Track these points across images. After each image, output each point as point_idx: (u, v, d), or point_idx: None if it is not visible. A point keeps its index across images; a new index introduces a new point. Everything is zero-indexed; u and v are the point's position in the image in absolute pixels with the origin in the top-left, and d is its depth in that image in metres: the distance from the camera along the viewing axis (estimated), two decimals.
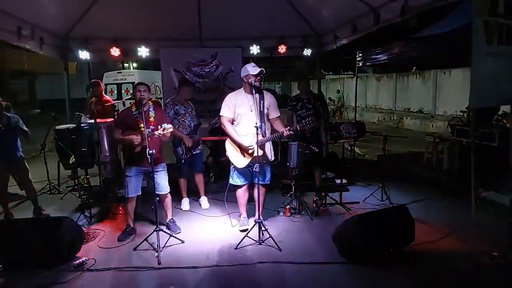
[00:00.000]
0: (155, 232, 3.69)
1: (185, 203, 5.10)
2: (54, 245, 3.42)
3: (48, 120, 6.09)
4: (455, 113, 9.92)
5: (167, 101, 5.14)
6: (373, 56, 6.66)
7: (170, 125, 3.68)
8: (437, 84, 13.03)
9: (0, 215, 4.79)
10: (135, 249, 3.78)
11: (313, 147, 4.94)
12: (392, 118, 15.87)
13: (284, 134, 3.90)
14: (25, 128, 4.70)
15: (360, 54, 7.36)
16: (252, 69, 3.88)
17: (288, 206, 4.71)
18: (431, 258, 3.50)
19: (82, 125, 5.43)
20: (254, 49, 6.89)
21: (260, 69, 3.87)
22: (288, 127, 3.90)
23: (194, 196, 5.30)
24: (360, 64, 7.47)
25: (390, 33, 8.95)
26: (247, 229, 4.04)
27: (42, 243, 3.42)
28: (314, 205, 4.94)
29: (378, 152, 7.80)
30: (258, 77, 3.87)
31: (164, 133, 3.67)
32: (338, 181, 5.59)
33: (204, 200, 5.14)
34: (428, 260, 3.48)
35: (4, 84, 18.56)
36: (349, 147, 5.80)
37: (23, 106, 17.72)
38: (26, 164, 4.83)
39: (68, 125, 6.06)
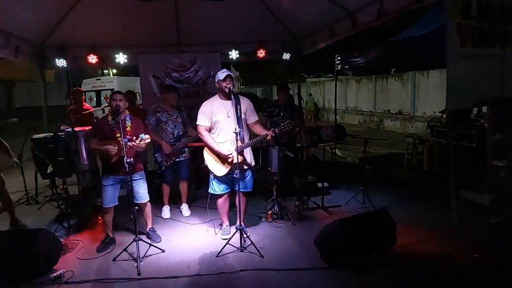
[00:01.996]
0: (134, 242, 3.62)
1: (166, 211, 5.02)
2: (31, 258, 3.33)
3: (26, 129, 5.93)
4: (434, 114, 10.17)
5: (151, 108, 5.05)
6: (352, 60, 6.73)
7: (147, 136, 3.61)
8: (415, 85, 13.31)
9: None
10: (114, 259, 3.71)
11: (288, 153, 4.95)
12: (372, 120, 16.12)
13: (268, 137, 3.88)
14: None
15: (339, 58, 7.43)
16: (220, 74, 3.87)
17: (270, 212, 4.70)
18: (413, 260, 3.54)
19: (59, 133, 5.31)
20: (234, 54, 6.90)
21: (226, 73, 3.84)
22: (272, 129, 3.88)
23: (175, 203, 5.23)
24: (339, 67, 7.54)
25: (368, 36, 9.11)
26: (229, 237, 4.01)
27: (18, 255, 3.32)
28: (296, 209, 4.94)
29: (359, 154, 7.90)
30: (227, 82, 3.82)
31: (140, 144, 3.59)
32: (319, 184, 5.61)
33: (185, 208, 5.08)
34: (410, 262, 3.51)
35: None
36: (330, 150, 5.84)
37: (0, 115, 17.21)
38: (1, 175, 4.68)
39: (46, 134, 5.91)
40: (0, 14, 4.69)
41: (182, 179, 5.06)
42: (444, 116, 7.56)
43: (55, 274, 3.37)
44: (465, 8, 3.76)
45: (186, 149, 5.02)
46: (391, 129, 14.53)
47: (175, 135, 4.85)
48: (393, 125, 14.58)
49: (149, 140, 3.62)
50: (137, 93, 7.27)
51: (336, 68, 7.32)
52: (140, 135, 3.56)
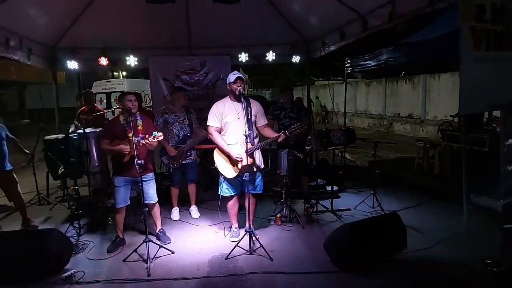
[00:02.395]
0: (144, 243, 3.64)
1: (175, 212, 5.04)
2: (42, 258, 3.37)
3: (38, 130, 6.02)
4: (445, 118, 10.04)
5: (160, 109, 5.09)
6: (362, 62, 6.71)
7: (160, 133, 3.66)
8: (426, 88, 13.18)
9: None
10: (124, 260, 3.73)
11: (297, 153, 4.93)
12: (382, 123, 15.99)
13: (279, 140, 3.87)
14: (11, 135, 4.70)
15: (349, 61, 7.42)
16: (231, 76, 3.88)
17: (279, 215, 4.68)
18: (423, 266, 3.49)
19: (71, 135, 5.37)
20: (243, 57, 6.90)
21: (237, 75, 3.85)
22: (283, 131, 3.86)
23: (184, 205, 5.24)
24: (349, 70, 7.52)
25: (378, 39, 9.06)
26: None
27: (30, 255, 3.36)
28: (305, 213, 4.92)
29: (369, 158, 7.84)
30: (238, 84, 3.83)
31: (152, 141, 3.63)
32: (329, 188, 5.58)
33: (194, 210, 5.10)
34: (421, 267, 3.47)
35: None
36: (339, 154, 5.80)
37: (12, 116, 17.50)
38: (14, 175, 4.76)
39: (57, 135, 5.98)
40: (13, 17, 4.77)
41: (190, 181, 5.08)
42: (456, 120, 7.46)
43: (66, 274, 3.41)
44: (479, 11, 3.70)
45: (193, 152, 5.04)
46: (401, 133, 14.39)
47: (181, 137, 4.87)
48: (403, 129, 14.45)
49: (162, 137, 3.67)
50: (142, 94, 7.34)
51: (346, 71, 7.32)
52: (153, 133, 3.61)
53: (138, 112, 4.05)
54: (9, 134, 4.70)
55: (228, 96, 4.03)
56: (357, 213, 4.86)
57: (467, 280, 3.25)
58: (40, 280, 3.33)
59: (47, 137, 5.88)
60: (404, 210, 4.86)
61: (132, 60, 6.63)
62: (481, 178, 4.85)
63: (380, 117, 16.26)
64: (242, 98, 3.83)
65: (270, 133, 4.03)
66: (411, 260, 3.57)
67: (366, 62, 6.40)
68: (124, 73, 20.32)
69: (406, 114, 14.51)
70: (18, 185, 4.74)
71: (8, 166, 4.63)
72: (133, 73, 19.27)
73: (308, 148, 5.55)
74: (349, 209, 5.03)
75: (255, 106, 4.01)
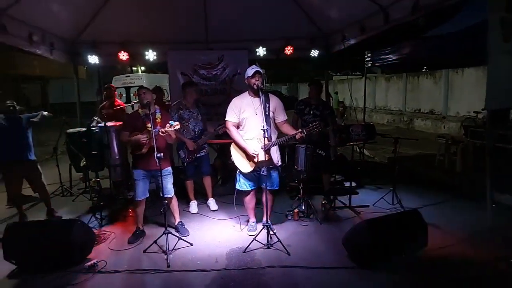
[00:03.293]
0: (164, 235, 3.71)
1: (193, 205, 5.11)
2: (66, 247, 3.47)
3: (60, 123, 6.18)
4: (468, 114, 9.76)
5: (172, 104, 5.15)
6: (383, 56, 6.58)
7: (177, 122, 3.70)
8: (449, 83, 12.83)
9: (14, 217, 4.87)
10: (144, 251, 3.82)
11: (320, 151, 4.88)
12: (402, 119, 15.69)
13: (297, 137, 3.83)
14: (36, 119, 4.86)
15: (369, 54, 7.28)
16: (249, 71, 3.86)
17: (296, 210, 4.67)
18: (445, 264, 3.43)
19: (92, 128, 5.49)
20: (261, 51, 6.87)
21: (255, 69, 3.83)
22: (300, 130, 3.83)
23: (201, 198, 5.30)
24: (369, 64, 7.39)
25: (400, 32, 8.85)
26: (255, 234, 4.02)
27: (54, 245, 3.48)
28: (323, 208, 4.89)
29: (388, 154, 7.71)
30: (256, 78, 3.81)
31: (171, 130, 3.69)
32: (347, 184, 5.52)
33: (212, 202, 5.16)
34: (442, 266, 3.40)
35: (17, 88, 18.91)
36: (358, 150, 5.72)
37: (36, 110, 18.02)
38: (39, 167, 4.90)
39: (79, 129, 6.13)
40: (36, 12, 4.90)
41: (205, 174, 5.15)
42: (479, 116, 7.24)
43: (89, 263, 3.51)
44: (510, 2, 3.57)
45: (205, 145, 5.13)
46: (421, 129, 14.09)
47: (196, 132, 4.95)
48: (424, 125, 14.14)
49: (178, 127, 3.72)
50: (164, 90, 7.41)
51: (366, 65, 7.19)
52: (170, 122, 3.67)
53: (157, 106, 4.11)
54: (34, 119, 4.82)
55: (247, 91, 4.02)
56: (376, 210, 4.80)
57: (492, 280, 3.17)
58: (64, 268, 3.43)
59: (69, 131, 6.03)
60: (425, 207, 4.77)
61: (151, 55, 6.70)
62: (505, 175, 4.72)
63: (400, 113, 15.95)
64: (261, 93, 3.81)
65: (289, 130, 3.99)
66: (432, 258, 3.50)
67: (387, 56, 6.27)
68: (142, 68, 20.59)
69: (427, 110, 14.19)
70: (42, 176, 4.89)
71: (32, 156, 4.78)
72: (150, 68, 19.51)
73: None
74: (367, 206, 4.97)
75: (274, 101, 3.98)
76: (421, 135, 11.91)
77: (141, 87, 4.17)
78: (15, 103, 4.79)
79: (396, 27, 5.13)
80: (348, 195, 4.93)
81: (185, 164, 4.97)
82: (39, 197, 5.13)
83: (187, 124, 4.90)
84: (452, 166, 6.49)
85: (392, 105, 16.75)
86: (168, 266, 3.46)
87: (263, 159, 3.73)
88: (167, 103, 6.89)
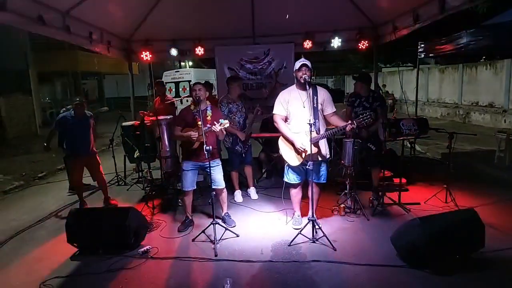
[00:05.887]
0: (211, 225, 3.83)
1: (238, 195, 5.28)
2: (122, 233, 3.70)
3: (115, 117, 6.58)
4: None
5: (221, 98, 5.29)
6: (438, 47, 6.20)
7: (226, 121, 3.78)
8: (511, 75, 11.83)
9: (75, 204, 5.29)
10: (193, 240, 3.98)
11: (370, 145, 4.74)
12: (457, 113, 14.74)
13: (347, 129, 3.76)
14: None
15: (422, 45, 6.91)
16: (296, 64, 3.85)
17: (342, 205, 4.60)
18: (501, 267, 3.22)
19: (145, 122, 5.78)
20: (307, 44, 6.79)
21: (302, 62, 3.79)
22: (351, 120, 3.75)
23: (243, 188, 5.44)
24: (422, 55, 7.01)
25: (456, 21, 8.29)
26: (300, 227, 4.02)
27: (111, 230, 3.74)
28: (371, 205, 4.77)
29: (441, 150, 7.32)
30: (303, 72, 3.77)
31: (220, 128, 3.78)
32: (396, 180, 5.32)
33: (253, 191, 5.33)
34: (500, 269, 3.20)
35: (78, 84, 20.44)
36: (409, 145, 5.49)
37: (93, 104, 19.34)
38: (98, 157, 5.26)
39: (133, 122, 6.48)
40: (94, 12, 5.23)
41: (247, 164, 5.31)
42: None
43: (143, 249, 3.73)
44: None
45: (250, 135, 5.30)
46: (479, 123, 13.15)
47: (241, 123, 5.13)
48: (481, 119, 13.18)
49: (228, 125, 3.80)
50: (212, 84, 7.62)
51: (419, 56, 6.85)
52: (220, 120, 3.76)
53: (208, 103, 4.23)
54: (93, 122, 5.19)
55: (295, 85, 4.01)
56: (427, 208, 4.59)
57: None
58: (119, 253, 3.68)
59: (124, 123, 6.41)
60: (481, 206, 4.49)
61: (199, 50, 6.89)
62: None
63: (455, 106, 14.99)
64: (308, 86, 3.77)
65: (338, 122, 3.93)
66: (489, 260, 3.30)
67: (442, 47, 5.90)
68: (190, 63, 21.22)
69: (485, 103, 13.20)
70: (101, 167, 5.25)
71: (94, 149, 5.14)
72: (197, 63, 20.05)
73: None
74: (418, 203, 4.77)
75: (322, 94, 3.94)
76: (478, 129, 11.12)
77: (197, 82, 4.26)
78: (83, 99, 5.15)
79: (452, 15, 4.82)
80: (398, 192, 4.76)
81: (231, 156, 5.14)
82: (97, 185, 5.52)
83: (234, 117, 5.06)
84: None
85: (447, 98, 15.78)
86: (216, 255, 3.58)
87: (311, 152, 3.71)
88: (216, 97, 7.07)
